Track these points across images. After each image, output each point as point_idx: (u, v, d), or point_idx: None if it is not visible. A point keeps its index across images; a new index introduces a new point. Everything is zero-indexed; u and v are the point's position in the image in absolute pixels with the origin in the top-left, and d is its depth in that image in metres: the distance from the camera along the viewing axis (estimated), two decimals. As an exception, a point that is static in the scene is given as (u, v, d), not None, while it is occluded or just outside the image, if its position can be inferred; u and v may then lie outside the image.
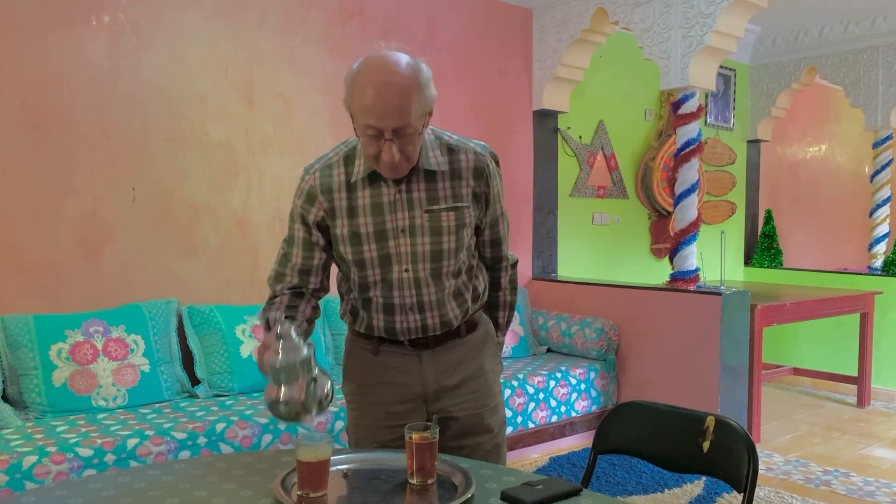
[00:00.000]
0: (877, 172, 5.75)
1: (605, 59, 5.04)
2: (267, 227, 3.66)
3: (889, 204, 5.73)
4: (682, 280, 4.17)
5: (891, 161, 5.72)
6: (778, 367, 5.63)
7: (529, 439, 3.80)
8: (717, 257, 4.95)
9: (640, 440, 1.80)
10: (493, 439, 1.81)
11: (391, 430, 1.72)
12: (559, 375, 3.94)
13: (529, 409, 3.79)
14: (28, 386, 2.82)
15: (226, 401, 3.10)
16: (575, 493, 1.36)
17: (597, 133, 5.13)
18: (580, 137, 5.04)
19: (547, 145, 4.85)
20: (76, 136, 3.13)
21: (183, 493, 1.38)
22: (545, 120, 4.82)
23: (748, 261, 6.27)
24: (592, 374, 4.10)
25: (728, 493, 3.28)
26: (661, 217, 5.53)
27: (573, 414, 4.01)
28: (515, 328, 4.28)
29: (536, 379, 3.83)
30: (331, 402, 1.49)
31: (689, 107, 4.12)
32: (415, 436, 1.40)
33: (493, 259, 1.85)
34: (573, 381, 4.00)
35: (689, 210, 4.16)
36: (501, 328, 1.93)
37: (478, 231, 1.79)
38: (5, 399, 2.82)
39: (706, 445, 1.65)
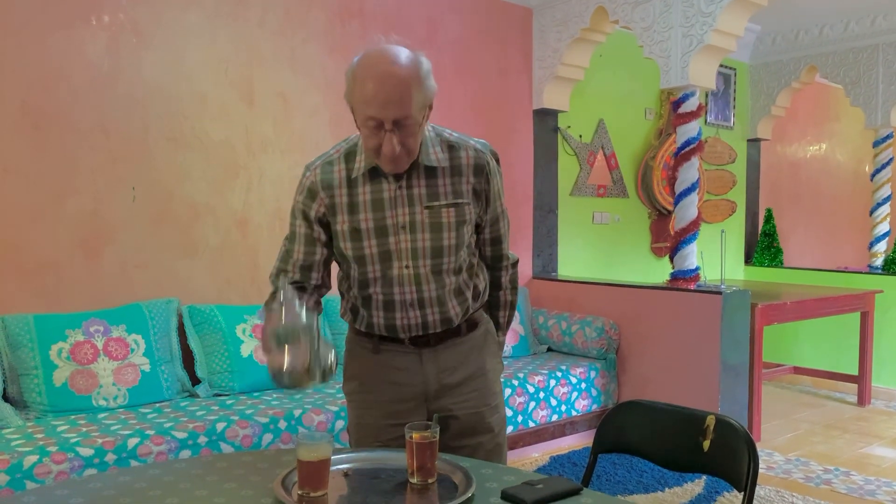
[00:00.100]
0: (877, 171, 5.75)
1: (605, 58, 5.04)
2: (267, 227, 3.66)
3: (889, 203, 5.73)
4: (682, 279, 4.17)
5: (891, 160, 5.72)
6: (778, 365, 5.63)
7: (530, 438, 3.80)
8: (717, 256, 4.95)
9: (641, 439, 1.79)
10: (495, 439, 1.81)
11: (392, 429, 1.72)
12: (559, 374, 3.94)
13: (530, 409, 3.79)
14: (28, 386, 2.82)
15: (226, 400, 3.11)
16: (575, 492, 1.36)
17: (597, 132, 5.13)
18: (580, 136, 5.04)
19: (547, 144, 4.85)
20: (76, 135, 3.14)
21: (183, 492, 1.38)
22: (545, 119, 4.82)
23: (748, 260, 6.27)
24: (593, 374, 4.10)
25: (728, 491, 3.28)
26: (661, 216, 5.53)
27: (574, 413, 4.01)
28: (516, 327, 4.28)
29: (537, 378, 3.83)
30: (334, 372, 1.49)
31: (689, 106, 4.12)
32: (415, 435, 1.40)
33: (493, 258, 1.85)
34: (573, 381, 4.00)
35: (690, 209, 4.16)
36: (502, 328, 1.93)
37: (478, 229, 1.79)
38: (6, 399, 2.82)
39: (706, 444, 1.65)
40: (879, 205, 5.73)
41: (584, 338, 4.21)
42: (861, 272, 5.62)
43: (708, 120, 5.83)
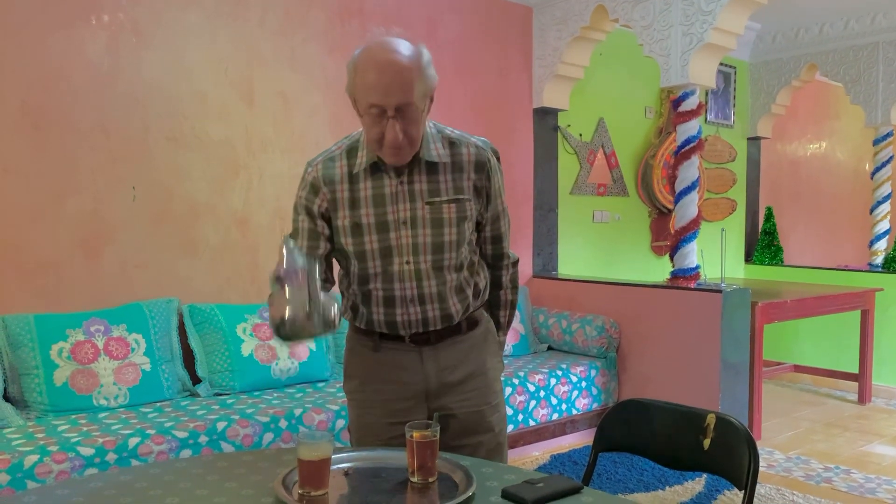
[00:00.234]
0: (877, 169, 5.75)
1: (605, 56, 5.04)
2: (267, 226, 3.66)
3: (889, 201, 5.73)
4: (682, 278, 4.17)
5: (891, 158, 5.72)
6: (779, 364, 5.63)
7: (530, 437, 3.80)
8: (717, 255, 4.95)
9: (641, 438, 1.80)
10: (496, 438, 1.81)
11: (393, 428, 1.72)
12: (560, 373, 3.94)
13: (530, 407, 3.79)
14: (29, 385, 2.82)
15: (227, 399, 3.11)
16: (576, 490, 1.36)
17: (597, 131, 5.13)
18: (580, 135, 5.04)
19: (547, 143, 4.85)
20: (76, 135, 3.14)
21: (184, 491, 1.38)
22: (545, 118, 4.82)
23: (749, 258, 6.27)
24: (593, 372, 4.10)
25: (729, 490, 3.28)
26: (661, 214, 5.53)
27: (574, 412, 4.01)
28: (516, 326, 4.28)
29: (537, 377, 3.83)
30: (336, 326, 1.48)
31: (690, 104, 4.12)
32: (415, 434, 1.40)
33: (494, 256, 1.86)
34: (574, 379, 4.00)
35: (690, 207, 4.16)
36: (503, 327, 1.93)
37: (479, 227, 1.79)
38: (6, 398, 2.83)
39: (707, 443, 1.65)
40: (879, 203, 5.73)
41: (585, 336, 4.21)
42: (861, 270, 5.62)
43: (708, 118, 5.83)
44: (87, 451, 2.48)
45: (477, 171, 1.71)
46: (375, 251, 1.68)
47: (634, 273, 5.31)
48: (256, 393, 3.22)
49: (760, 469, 2.75)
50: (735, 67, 6.02)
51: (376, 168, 1.67)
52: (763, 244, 6.15)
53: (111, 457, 2.52)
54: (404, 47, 1.56)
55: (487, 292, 1.86)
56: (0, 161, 2.97)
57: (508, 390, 3.67)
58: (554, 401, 3.90)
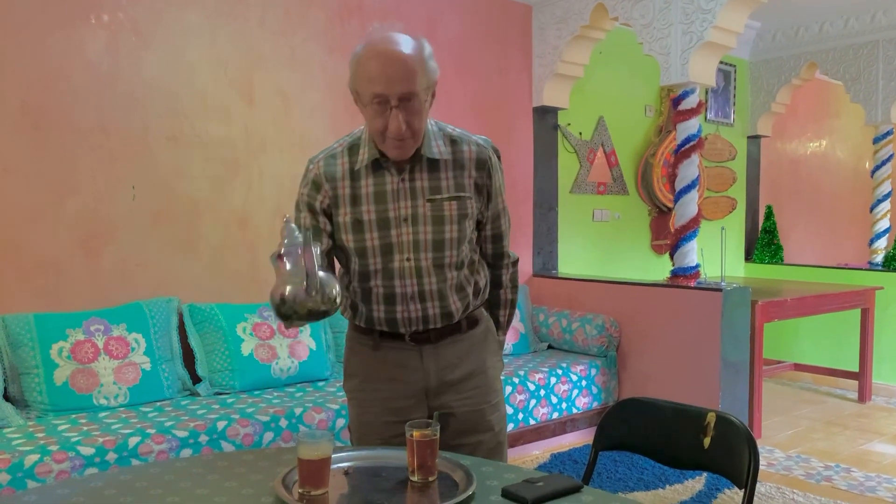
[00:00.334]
0: (877, 168, 5.75)
1: (605, 55, 5.04)
2: (267, 225, 3.66)
3: (889, 199, 5.73)
4: (682, 276, 4.17)
5: (891, 156, 5.72)
6: (779, 362, 5.63)
7: (530, 436, 3.80)
8: (717, 253, 4.95)
9: (641, 436, 1.80)
10: (496, 437, 1.81)
11: (393, 426, 1.72)
12: (560, 372, 3.94)
13: (530, 406, 3.79)
14: (29, 385, 2.82)
15: (227, 399, 3.11)
16: (576, 489, 1.36)
17: (597, 129, 5.12)
18: (580, 134, 5.04)
19: (547, 142, 4.85)
20: (76, 135, 3.13)
21: (184, 491, 1.38)
22: (545, 116, 4.82)
23: (749, 257, 6.27)
24: (593, 371, 4.10)
25: (729, 488, 3.28)
26: (661, 213, 5.53)
27: (574, 410, 4.01)
28: (516, 325, 4.28)
29: (537, 376, 3.83)
30: (336, 306, 1.48)
31: (689, 103, 4.12)
32: (415, 433, 1.40)
33: (494, 255, 1.86)
34: (574, 378, 4.00)
35: (690, 206, 4.16)
36: (502, 327, 1.93)
37: (479, 226, 1.79)
38: (7, 398, 2.83)
39: (707, 441, 1.65)
40: (880, 201, 5.72)
41: (585, 335, 4.21)
42: (861, 269, 5.61)
43: (708, 117, 5.82)
44: (87, 450, 2.48)
45: (478, 169, 1.72)
46: (376, 248, 1.69)
47: (634, 272, 5.31)
48: (256, 392, 3.22)
49: (760, 467, 2.75)
50: (735, 66, 6.02)
51: (378, 165, 1.67)
52: (763, 243, 6.15)
53: (111, 456, 2.52)
54: (406, 40, 1.58)
55: (487, 291, 1.86)
56: (0, 161, 2.97)
57: (508, 389, 3.67)
58: (554, 399, 3.90)
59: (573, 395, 4.00)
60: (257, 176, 3.64)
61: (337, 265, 1.80)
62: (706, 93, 5.72)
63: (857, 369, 5.06)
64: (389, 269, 1.69)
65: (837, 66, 5.68)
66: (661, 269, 5.41)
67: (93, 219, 3.19)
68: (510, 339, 4.23)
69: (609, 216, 5.25)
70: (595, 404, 4.11)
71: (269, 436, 2.87)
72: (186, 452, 2.67)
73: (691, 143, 4.13)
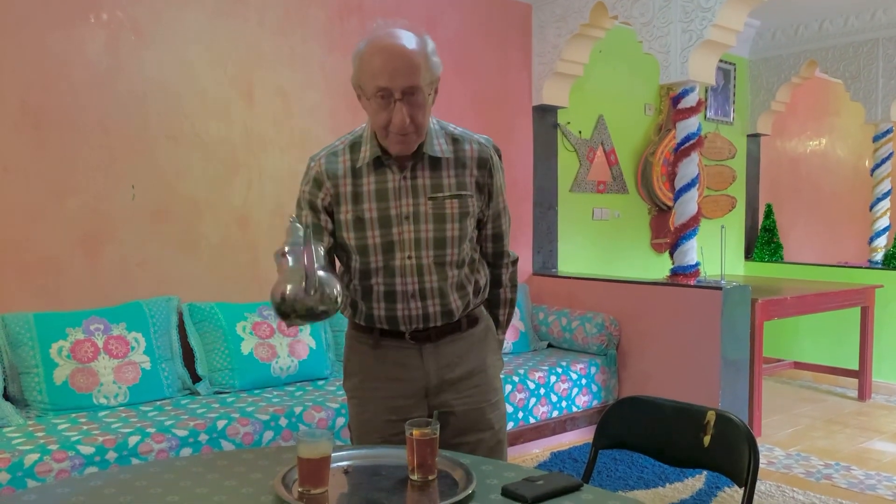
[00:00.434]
0: (877, 166, 5.75)
1: (605, 53, 5.03)
2: (267, 224, 3.66)
3: (889, 198, 5.73)
4: (682, 275, 4.17)
5: (891, 155, 5.72)
6: (779, 361, 5.63)
7: (530, 434, 3.80)
8: (717, 252, 4.94)
9: (641, 435, 1.80)
10: (496, 436, 1.81)
11: (393, 425, 1.72)
12: (560, 371, 3.94)
13: (530, 405, 3.79)
14: (29, 384, 2.82)
15: (227, 398, 3.11)
16: (576, 488, 1.36)
17: (596, 128, 5.12)
18: (580, 132, 5.04)
19: (547, 141, 4.85)
20: (76, 134, 3.13)
21: (184, 490, 1.38)
22: (545, 115, 4.82)
23: (748, 255, 6.27)
24: (593, 370, 4.10)
25: (729, 487, 3.29)
26: (661, 212, 5.53)
27: (574, 409, 4.02)
28: (516, 323, 4.28)
29: (537, 374, 3.83)
30: (338, 306, 1.49)
31: (689, 101, 4.12)
32: (415, 432, 1.40)
33: (494, 255, 1.86)
34: (574, 377, 4.00)
35: (690, 205, 4.16)
36: (502, 326, 1.93)
37: (480, 225, 1.80)
38: (6, 397, 2.83)
39: (707, 440, 1.65)
40: (879, 200, 5.73)
41: (585, 334, 4.21)
42: (861, 267, 5.61)
43: (708, 115, 5.82)
44: (87, 449, 2.48)
45: (479, 168, 1.72)
46: (377, 246, 1.69)
47: (634, 270, 5.31)
48: (256, 391, 3.22)
49: (760, 466, 2.75)
50: (735, 64, 6.01)
51: (380, 163, 1.68)
52: (763, 241, 6.15)
53: (111, 455, 2.52)
54: (409, 35, 1.59)
55: (487, 290, 1.86)
56: (0, 160, 2.97)
57: (508, 388, 3.67)
58: (554, 398, 3.90)
59: (573, 394, 4.00)
60: (257, 175, 3.64)
61: (337, 263, 1.80)
62: (706, 91, 5.71)
63: (856, 367, 5.06)
64: (390, 266, 1.70)
65: (837, 64, 5.68)
66: (660, 267, 5.41)
67: (93, 218, 3.19)
68: (510, 338, 4.23)
69: (609, 215, 5.25)
70: (595, 403, 4.12)
71: (268, 435, 2.87)
72: (186, 451, 2.67)
73: (691, 142, 4.13)
